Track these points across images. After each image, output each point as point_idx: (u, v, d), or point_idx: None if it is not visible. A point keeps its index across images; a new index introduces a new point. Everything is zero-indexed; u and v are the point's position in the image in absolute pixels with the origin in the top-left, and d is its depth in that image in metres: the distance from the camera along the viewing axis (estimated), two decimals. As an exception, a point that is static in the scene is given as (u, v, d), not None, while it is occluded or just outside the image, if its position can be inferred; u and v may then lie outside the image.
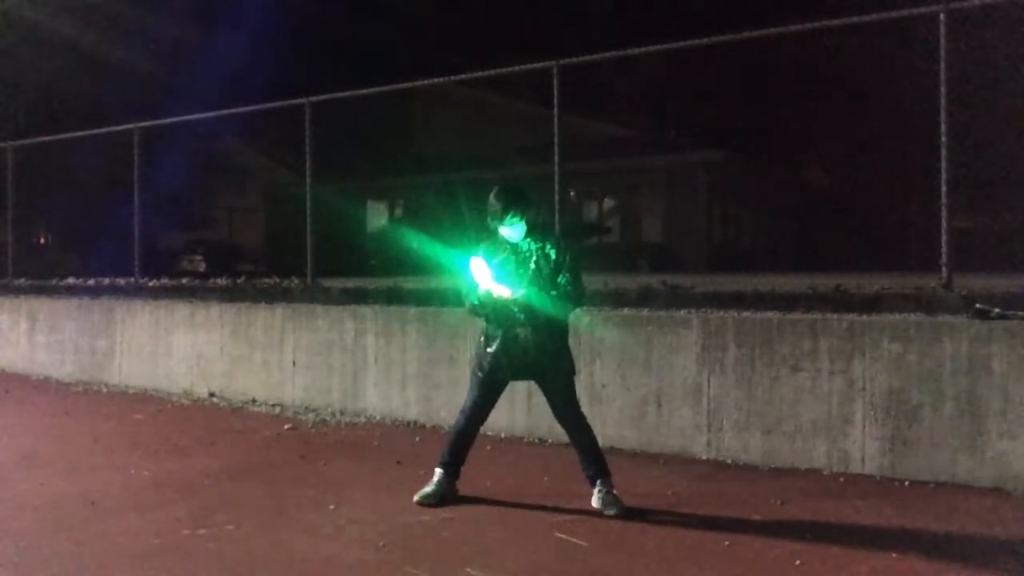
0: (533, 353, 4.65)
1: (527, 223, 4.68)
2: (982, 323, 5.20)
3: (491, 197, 4.70)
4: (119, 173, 11.08)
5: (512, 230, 4.68)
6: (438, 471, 4.90)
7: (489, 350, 4.74)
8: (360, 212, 22.76)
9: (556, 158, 7.47)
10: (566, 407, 4.80)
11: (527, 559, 4.04)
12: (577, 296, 4.71)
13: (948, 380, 5.18)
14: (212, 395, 8.54)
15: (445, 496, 4.86)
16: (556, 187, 7.52)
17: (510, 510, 4.81)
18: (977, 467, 5.08)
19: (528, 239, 4.70)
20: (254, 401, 8.19)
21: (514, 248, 4.71)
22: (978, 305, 5.39)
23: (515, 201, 4.64)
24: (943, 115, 5.84)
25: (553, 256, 4.64)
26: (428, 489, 4.87)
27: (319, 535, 4.37)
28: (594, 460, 4.76)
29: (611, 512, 4.59)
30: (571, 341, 4.84)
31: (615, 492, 4.68)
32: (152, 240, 14.63)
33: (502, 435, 6.52)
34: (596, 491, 4.70)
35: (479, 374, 4.83)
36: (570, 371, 4.80)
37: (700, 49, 7.29)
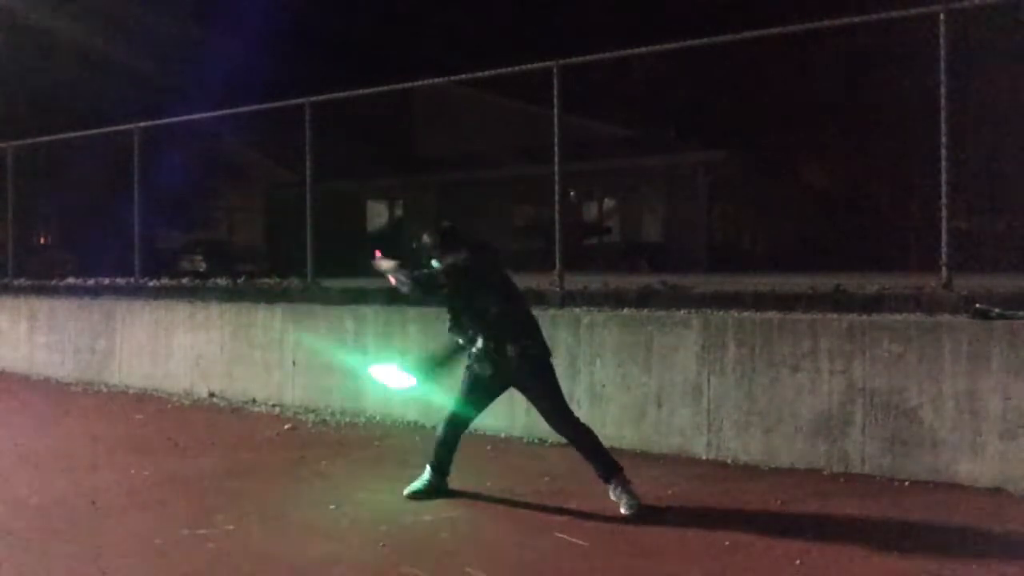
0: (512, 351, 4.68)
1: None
2: (982, 323, 5.20)
3: (424, 236, 4.90)
4: (119, 173, 11.07)
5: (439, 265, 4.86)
6: (428, 467, 5.00)
7: (478, 346, 4.77)
8: (360, 212, 22.76)
9: (556, 158, 7.47)
10: (551, 415, 4.81)
11: (527, 559, 4.04)
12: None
13: (948, 380, 5.18)
14: (212, 395, 8.54)
15: (434, 492, 4.94)
16: (556, 187, 7.51)
17: (510, 510, 4.82)
18: (977, 467, 5.07)
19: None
20: (254, 401, 8.19)
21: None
22: (978, 305, 5.38)
23: (442, 242, 4.86)
24: (943, 115, 5.84)
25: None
26: (417, 484, 4.98)
27: (319, 535, 4.37)
28: (600, 460, 4.76)
29: (626, 509, 4.60)
30: (571, 341, 4.83)
31: (631, 488, 4.68)
32: (152, 240, 14.62)
33: (502, 435, 6.52)
34: (611, 489, 4.71)
35: (469, 370, 4.88)
36: (543, 375, 4.80)
37: (700, 49, 7.29)
